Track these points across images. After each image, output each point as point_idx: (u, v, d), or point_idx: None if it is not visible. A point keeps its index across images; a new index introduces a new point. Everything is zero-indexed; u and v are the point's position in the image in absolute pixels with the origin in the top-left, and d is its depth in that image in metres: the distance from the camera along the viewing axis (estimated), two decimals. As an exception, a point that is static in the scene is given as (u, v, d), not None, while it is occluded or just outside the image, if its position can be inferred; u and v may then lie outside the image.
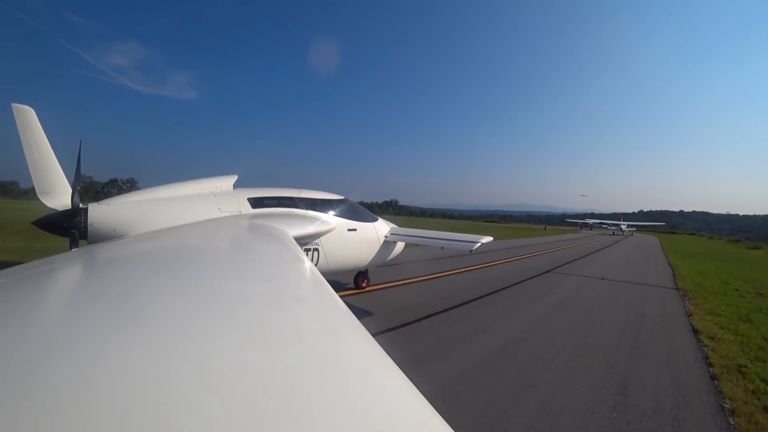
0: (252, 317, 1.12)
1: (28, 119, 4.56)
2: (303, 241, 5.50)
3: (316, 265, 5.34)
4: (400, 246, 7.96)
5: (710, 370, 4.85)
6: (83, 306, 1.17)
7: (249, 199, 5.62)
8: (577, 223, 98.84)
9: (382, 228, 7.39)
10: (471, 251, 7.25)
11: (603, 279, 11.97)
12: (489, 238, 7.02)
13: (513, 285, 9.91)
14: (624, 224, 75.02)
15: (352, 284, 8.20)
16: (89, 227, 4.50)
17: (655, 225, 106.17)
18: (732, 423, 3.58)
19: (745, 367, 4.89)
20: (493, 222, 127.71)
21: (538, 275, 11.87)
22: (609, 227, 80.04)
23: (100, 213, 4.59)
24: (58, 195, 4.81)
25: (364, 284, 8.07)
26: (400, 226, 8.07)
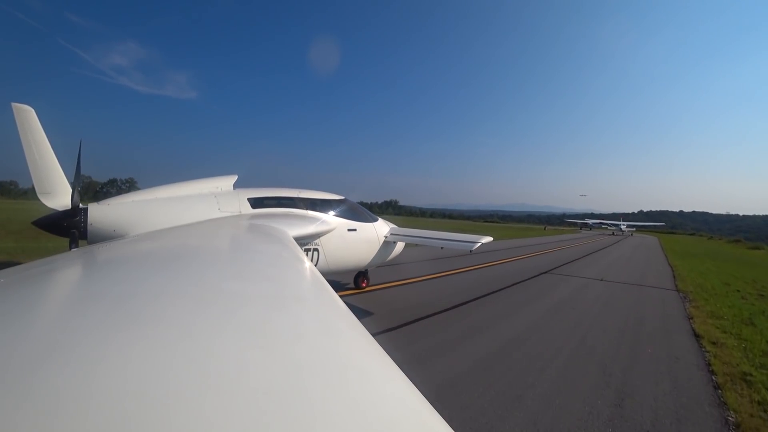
0: (252, 317, 1.12)
1: (28, 119, 4.56)
2: (303, 241, 5.50)
3: (316, 265, 5.34)
4: (400, 246, 7.97)
5: (713, 378, 4.57)
6: (83, 306, 1.17)
7: (249, 199, 5.62)
8: (576, 223, 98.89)
9: (382, 228, 7.39)
10: (471, 251, 7.25)
11: (602, 280, 11.81)
12: (489, 239, 7.02)
13: (511, 286, 9.87)
14: (624, 224, 75.07)
15: (352, 284, 8.20)
16: (89, 227, 4.50)
17: (654, 225, 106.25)
18: (737, 438, 3.33)
19: (750, 375, 4.63)
20: (493, 222, 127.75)
21: (535, 276, 11.76)
22: (608, 227, 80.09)
23: (100, 213, 4.59)
24: (58, 195, 4.81)
25: (364, 284, 8.07)
26: (399, 226, 8.07)
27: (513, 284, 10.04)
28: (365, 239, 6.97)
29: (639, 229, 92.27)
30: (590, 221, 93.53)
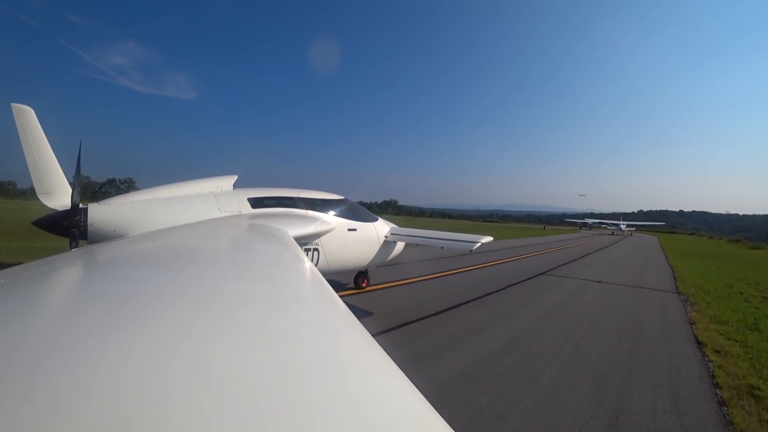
0: (252, 317, 1.12)
1: (28, 119, 4.56)
2: (303, 241, 5.50)
3: (316, 265, 5.34)
4: (400, 246, 7.97)
5: (718, 393, 4.18)
6: (83, 306, 1.17)
7: (249, 199, 5.63)
8: (576, 223, 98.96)
9: (382, 228, 7.39)
10: (471, 251, 7.25)
11: (599, 282, 11.47)
12: (489, 238, 7.03)
13: (506, 287, 9.77)
14: (623, 224, 75.14)
15: (352, 284, 8.21)
16: (89, 227, 4.50)
17: (654, 225, 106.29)
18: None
19: (758, 389, 4.23)
20: (493, 222, 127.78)
21: (532, 278, 11.53)
22: (608, 227, 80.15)
23: (100, 213, 4.59)
24: (58, 195, 4.81)
25: (364, 284, 8.07)
26: (399, 226, 8.07)
27: (508, 286, 9.89)
28: (365, 239, 6.97)
29: (639, 228, 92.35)
30: (590, 221, 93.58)
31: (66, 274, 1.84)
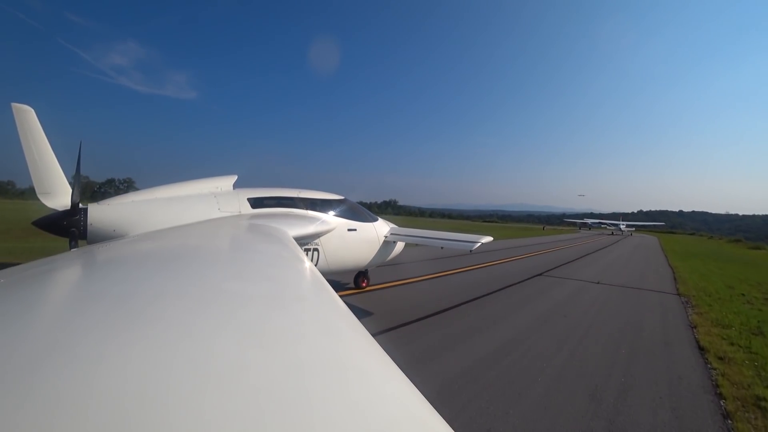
0: (252, 317, 1.12)
1: (28, 119, 4.56)
2: (303, 241, 5.50)
3: (316, 265, 5.34)
4: (400, 246, 7.98)
5: (722, 404, 3.92)
6: (83, 306, 1.17)
7: (249, 199, 5.63)
8: (576, 223, 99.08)
9: (381, 228, 7.40)
10: (471, 251, 7.26)
11: (598, 283, 11.27)
12: (489, 238, 7.03)
13: (506, 287, 9.75)
14: (623, 224, 75.17)
15: (352, 284, 8.21)
16: (89, 227, 4.50)
17: (654, 225, 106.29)
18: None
19: (764, 400, 3.99)
20: (492, 222, 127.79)
21: (528, 279, 11.37)
22: (608, 227, 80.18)
23: (100, 213, 4.59)
24: (58, 195, 4.81)
25: (364, 284, 8.08)
26: (399, 226, 8.08)
27: (505, 287, 9.80)
28: (365, 239, 6.97)
29: (639, 228, 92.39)
30: (589, 221, 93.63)
31: (66, 274, 1.84)
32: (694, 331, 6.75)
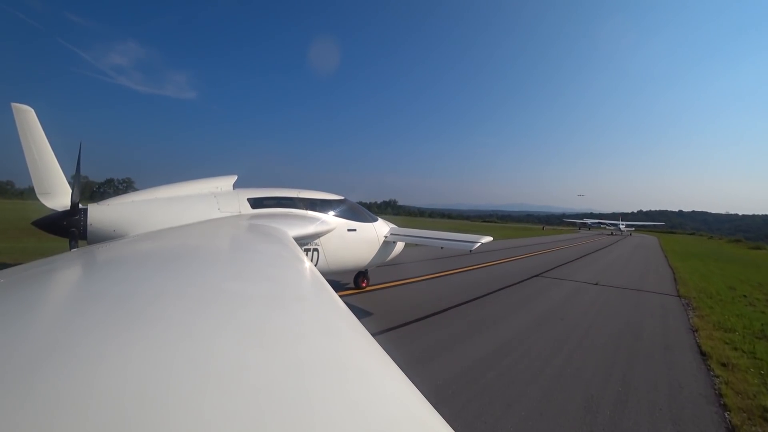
0: (252, 317, 1.12)
1: (28, 119, 4.56)
2: (303, 241, 5.50)
3: (316, 265, 5.34)
4: (399, 246, 7.99)
5: (726, 416, 3.67)
6: (83, 306, 1.17)
7: (249, 200, 5.63)
8: (575, 223, 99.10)
9: (381, 228, 7.40)
10: (471, 251, 7.26)
11: (596, 284, 11.06)
12: (489, 238, 7.04)
13: (503, 288, 9.70)
14: (623, 224, 75.22)
15: (352, 284, 8.21)
16: (89, 227, 4.50)
17: (654, 225, 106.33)
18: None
19: None
20: (492, 222, 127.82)
21: (526, 280, 11.14)
22: (607, 227, 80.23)
23: (100, 213, 4.59)
24: (58, 195, 4.81)
25: (363, 284, 8.09)
26: (399, 226, 8.08)
27: (502, 288, 9.73)
28: (365, 239, 6.98)
29: (638, 228, 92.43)
30: (589, 221, 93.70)
31: (66, 274, 1.84)
32: (696, 334, 6.54)
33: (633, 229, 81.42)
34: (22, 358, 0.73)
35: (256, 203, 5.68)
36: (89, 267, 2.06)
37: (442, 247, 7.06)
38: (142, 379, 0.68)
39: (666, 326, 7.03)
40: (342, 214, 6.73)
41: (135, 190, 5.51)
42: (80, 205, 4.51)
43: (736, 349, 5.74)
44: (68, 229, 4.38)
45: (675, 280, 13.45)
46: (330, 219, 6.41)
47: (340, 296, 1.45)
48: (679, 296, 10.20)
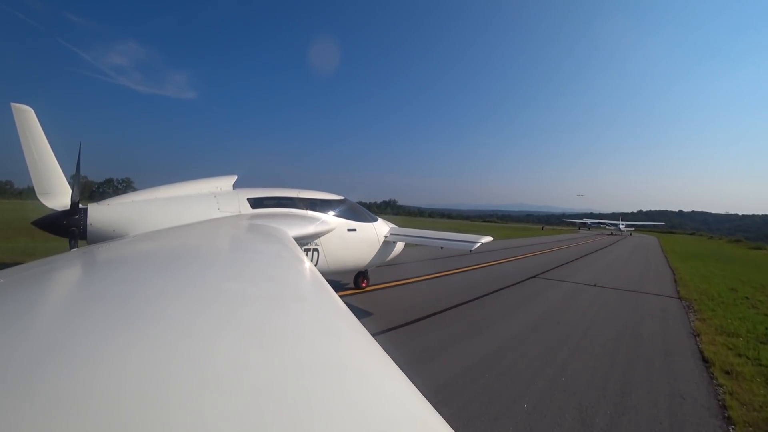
0: (252, 317, 1.12)
1: (28, 119, 4.56)
2: (303, 241, 5.51)
3: (316, 265, 5.35)
4: (399, 246, 7.99)
5: (731, 430, 3.46)
6: (83, 306, 1.17)
7: (249, 200, 5.63)
8: (575, 223, 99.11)
9: (381, 228, 7.40)
10: (471, 251, 7.26)
11: (595, 286, 10.84)
12: (489, 238, 7.04)
13: (505, 288, 9.67)
14: (622, 224, 75.22)
15: (352, 284, 8.21)
16: (89, 227, 4.50)
17: (654, 225, 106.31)
18: None
19: None
20: (492, 222, 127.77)
21: (523, 281, 11.00)
22: (607, 227, 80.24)
23: (100, 213, 4.59)
24: (58, 195, 4.81)
25: (363, 284, 8.09)
26: (399, 226, 8.08)
27: (505, 287, 9.73)
28: (365, 239, 6.98)
29: (638, 228, 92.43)
30: (589, 221, 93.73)
31: (66, 274, 1.84)
32: (697, 339, 6.24)
33: (633, 229, 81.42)
34: (22, 358, 0.73)
35: (256, 203, 5.68)
36: (89, 267, 2.06)
37: (442, 247, 7.07)
38: (142, 379, 0.68)
39: (666, 330, 6.79)
40: (342, 214, 6.73)
41: (134, 190, 5.52)
42: (80, 205, 4.51)
43: (740, 355, 5.46)
44: (68, 229, 4.38)
45: (675, 281, 13.25)
46: (330, 219, 6.41)
47: (340, 296, 1.45)
48: (679, 298, 9.97)
